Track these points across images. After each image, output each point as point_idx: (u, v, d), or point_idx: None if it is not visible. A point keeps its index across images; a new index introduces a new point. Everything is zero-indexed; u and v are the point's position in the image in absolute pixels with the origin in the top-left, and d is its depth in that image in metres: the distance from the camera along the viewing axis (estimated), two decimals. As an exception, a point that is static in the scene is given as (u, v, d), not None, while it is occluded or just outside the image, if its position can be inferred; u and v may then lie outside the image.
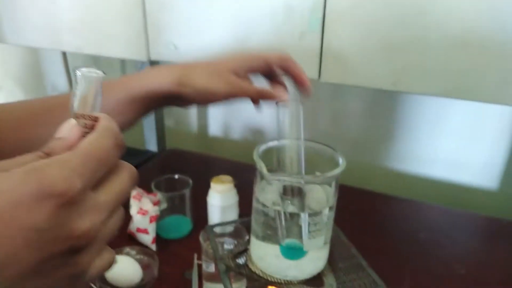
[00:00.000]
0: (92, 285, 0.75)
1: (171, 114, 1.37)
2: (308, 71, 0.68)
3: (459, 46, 0.57)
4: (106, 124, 0.28)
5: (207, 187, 0.86)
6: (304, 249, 0.47)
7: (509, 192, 1.01)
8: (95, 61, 1.39)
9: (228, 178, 0.86)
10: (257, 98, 0.54)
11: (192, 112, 1.33)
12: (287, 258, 0.48)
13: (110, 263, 0.28)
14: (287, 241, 0.47)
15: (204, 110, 1.31)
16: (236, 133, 1.29)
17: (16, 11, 0.88)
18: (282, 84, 0.56)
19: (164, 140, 1.34)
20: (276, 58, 0.54)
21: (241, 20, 0.69)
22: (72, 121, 0.28)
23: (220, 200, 0.83)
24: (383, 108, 1.06)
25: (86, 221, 0.24)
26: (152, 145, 1.31)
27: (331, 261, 0.51)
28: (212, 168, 0.92)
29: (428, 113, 1.02)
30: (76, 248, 0.25)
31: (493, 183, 1.02)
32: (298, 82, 0.55)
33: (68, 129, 0.28)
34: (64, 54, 1.31)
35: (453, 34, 0.57)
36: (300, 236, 0.47)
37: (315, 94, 0.54)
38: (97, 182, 0.26)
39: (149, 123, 1.28)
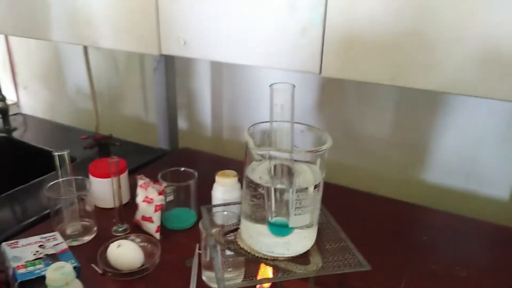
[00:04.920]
0: (96, 267, 0.77)
1: (185, 116, 1.40)
2: (310, 65, 0.70)
3: (456, 40, 0.58)
4: None
5: (214, 183, 0.88)
6: (290, 225, 0.48)
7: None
8: (115, 55, 1.44)
9: (232, 172, 0.88)
10: None
11: (206, 115, 1.37)
12: (274, 235, 0.49)
13: None
14: (275, 218, 0.49)
15: (218, 113, 1.34)
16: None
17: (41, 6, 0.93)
18: None
19: (177, 141, 1.37)
20: None
21: (245, 17, 0.72)
22: None
23: (223, 193, 0.86)
24: (392, 112, 1.07)
25: None
26: (165, 145, 1.34)
27: (319, 242, 0.53)
28: (221, 166, 0.94)
29: (434, 117, 1.02)
30: None
31: (504, 193, 1.01)
32: None
33: None
34: (85, 51, 1.36)
35: (450, 28, 0.58)
36: (287, 216, 0.49)
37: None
38: None
39: (163, 124, 1.32)
